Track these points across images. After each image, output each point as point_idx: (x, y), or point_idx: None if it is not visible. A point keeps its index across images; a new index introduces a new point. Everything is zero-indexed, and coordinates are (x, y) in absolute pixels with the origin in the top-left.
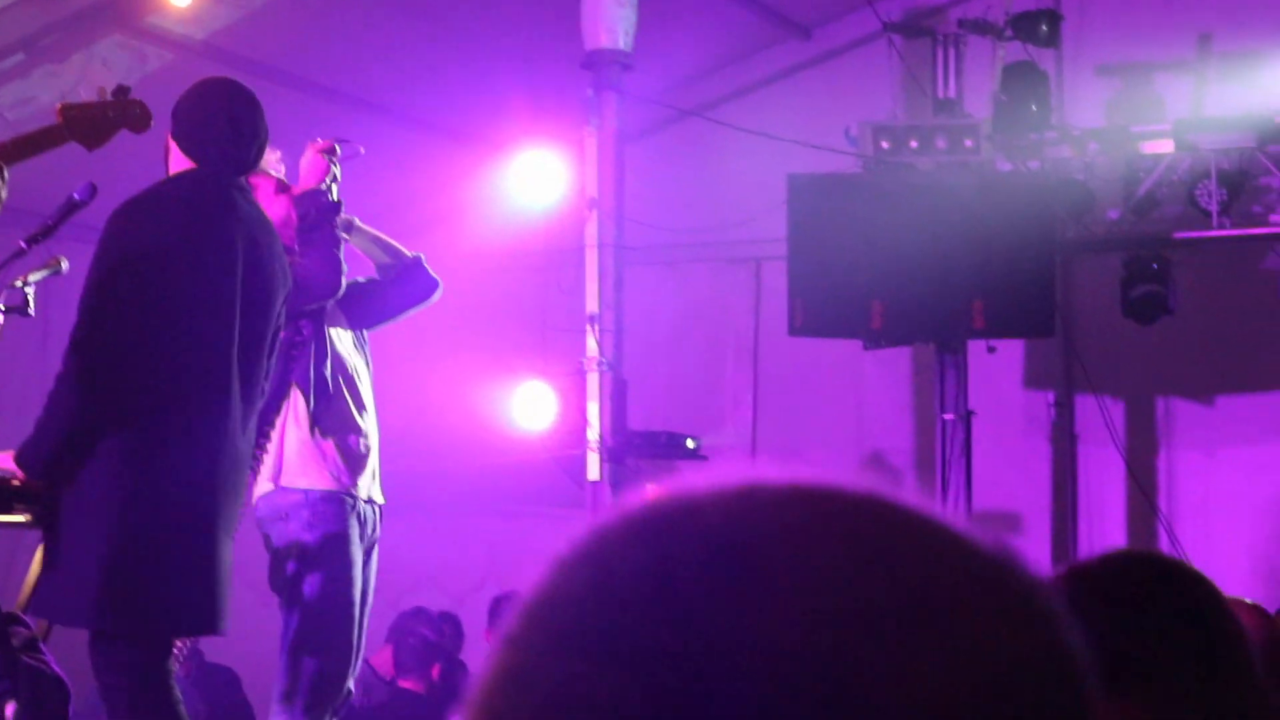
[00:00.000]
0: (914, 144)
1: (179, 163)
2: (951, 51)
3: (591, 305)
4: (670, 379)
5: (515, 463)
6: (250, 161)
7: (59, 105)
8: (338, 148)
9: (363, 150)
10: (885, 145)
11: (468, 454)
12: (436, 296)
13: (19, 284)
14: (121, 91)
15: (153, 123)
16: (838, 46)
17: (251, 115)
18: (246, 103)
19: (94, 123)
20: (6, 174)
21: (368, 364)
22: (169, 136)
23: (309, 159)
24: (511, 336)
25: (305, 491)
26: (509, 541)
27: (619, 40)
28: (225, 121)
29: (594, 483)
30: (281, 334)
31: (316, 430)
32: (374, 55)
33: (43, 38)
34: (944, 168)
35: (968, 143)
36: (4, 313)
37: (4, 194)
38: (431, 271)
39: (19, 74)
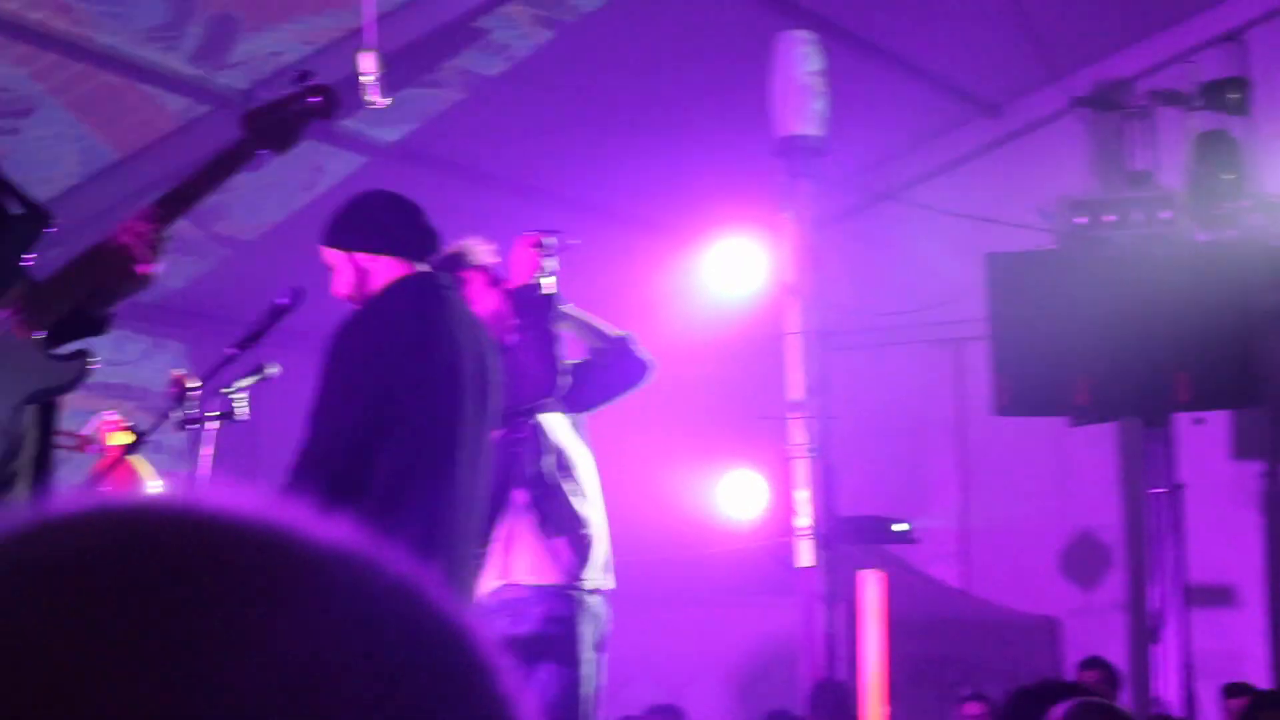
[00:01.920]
0: (1109, 217)
1: (378, 275)
2: (1142, 123)
3: (796, 392)
4: (876, 463)
5: (724, 551)
6: (436, 255)
7: (242, 115)
8: (550, 240)
9: (575, 241)
10: (1081, 220)
11: (677, 544)
12: (650, 377)
13: (228, 391)
14: (303, 78)
15: (341, 107)
16: (1027, 123)
17: (421, 212)
18: (413, 202)
19: (280, 124)
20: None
21: (587, 448)
22: (354, 255)
23: (520, 254)
24: (716, 425)
25: (535, 588)
26: (721, 631)
27: (811, 127)
28: (411, 222)
29: (805, 569)
30: (501, 431)
31: (542, 526)
32: (569, 151)
33: None
34: (1140, 240)
35: (1163, 214)
36: (215, 419)
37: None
38: (642, 352)
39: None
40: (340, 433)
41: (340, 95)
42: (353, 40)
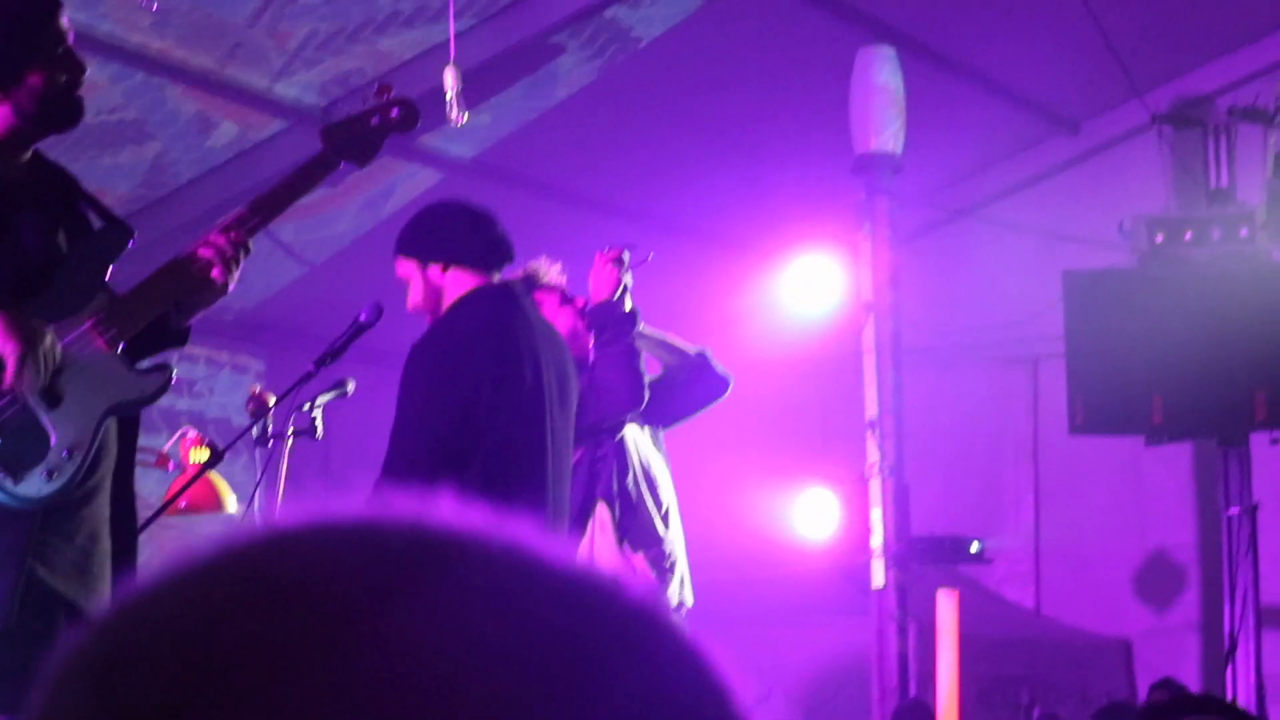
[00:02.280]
0: (1189, 235)
1: (453, 288)
2: (1222, 140)
3: (871, 410)
4: (951, 481)
5: (798, 571)
6: (510, 265)
7: (321, 130)
8: (626, 255)
9: (652, 256)
10: (1159, 238)
11: (750, 562)
12: (728, 393)
13: (307, 407)
14: (382, 92)
15: (419, 120)
16: (1107, 140)
17: (495, 222)
18: (486, 211)
19: (360, 137)
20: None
21: (666, 462)
22: (428, 267)
23: (599, 270)
24: (791, 443)
25: None
26: (793, 651)
27: (889, 143)
28: (484, 232)
29: (879, 590)
30: (583, 449)
31: (624, 544)
32: (645, 167)
33: None
34: (1219, 258)
35: (1243, 232)
36: (293, 435)
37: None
38: (719, 367)
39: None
40: (423, 450)
41: (419, 109)
42: (433, 57)
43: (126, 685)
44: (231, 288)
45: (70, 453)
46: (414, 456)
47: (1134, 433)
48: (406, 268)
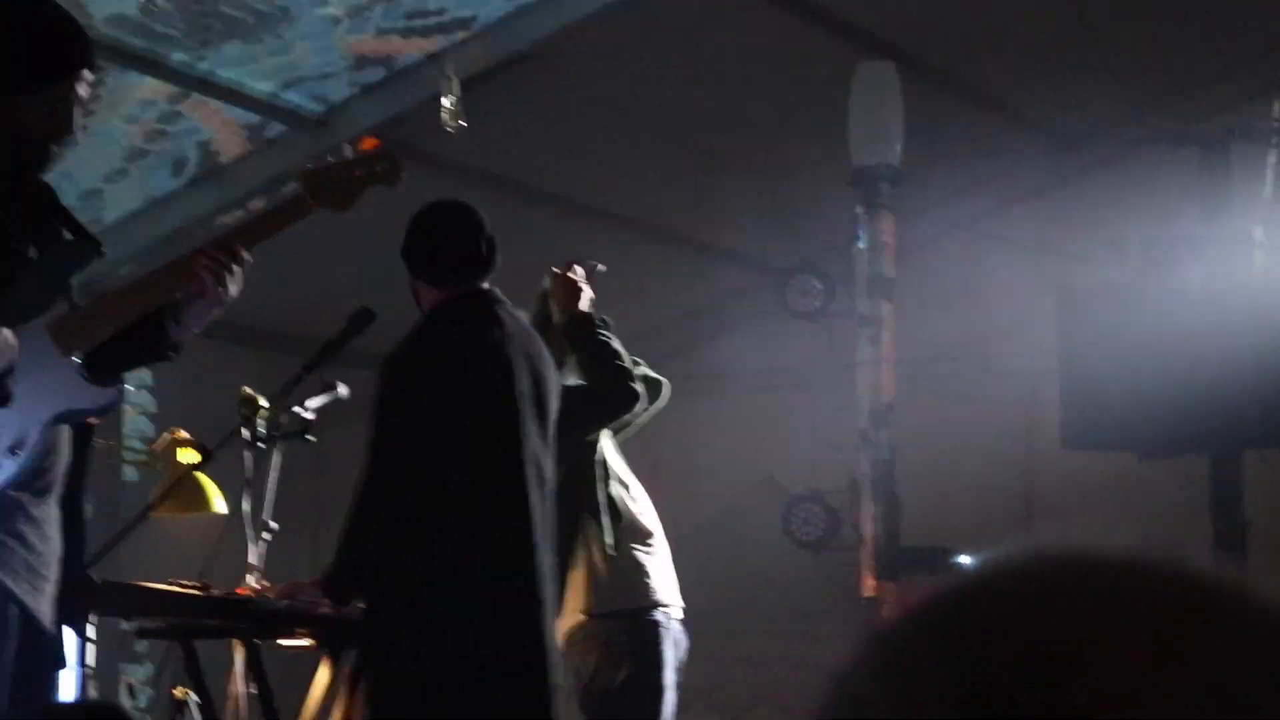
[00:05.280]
0: (1184, 252)
1: (429, 296)
2: (1220, 159)
3: (863, 421)
4: (943, 494)
5: (786, 578)
6: (493, 269)
7: (300, 172)
8: (589, 266)
9: (601, 266)
10: (1155, 255)
11: (739, 569)
12: (639, 407)
13: (299, 410)
14: (369, 144)
15: (402, 174)
16: (1104, 156)
17: (482, 225)
18: (468, 215)
19: (340, 184)
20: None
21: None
22: (414, 277)
23: (562, 281)
24: (784, 451)
25: (615, 615)
26: (780, 658)
27: (887, 156)
28: (461, 241)
29: (867, 599)
30: (566, 461)
31: (616, 552)
32: (643, 176)
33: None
34: (1215, 276)
35: (1240, 250)
36: (284, 437)
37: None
38: (638, 382)
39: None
40: (398, 463)
41: (402, 164)
42: (433, 63)
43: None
44: (230, 297)
45: (13, 451)
46: (389, 469)
47: (1126, 449)
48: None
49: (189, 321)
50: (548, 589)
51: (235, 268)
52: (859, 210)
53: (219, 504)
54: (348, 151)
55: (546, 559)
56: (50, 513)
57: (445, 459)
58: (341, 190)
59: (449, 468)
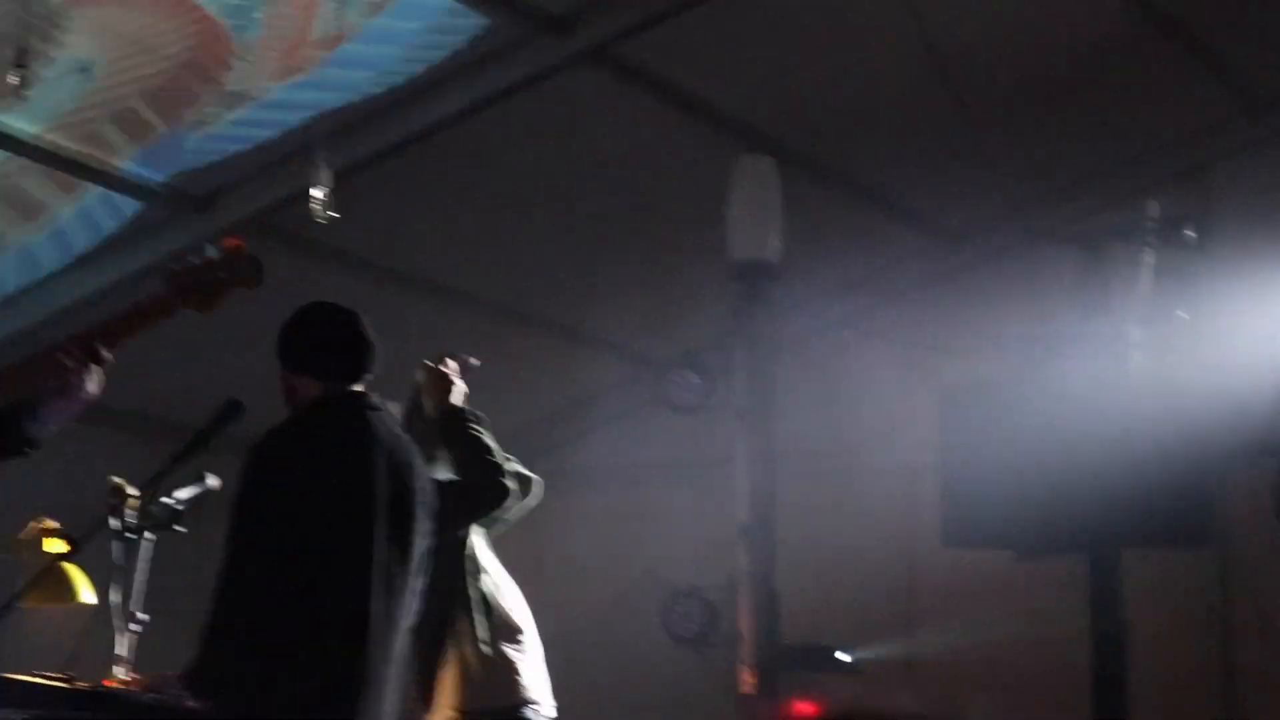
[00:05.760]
0: (1063, 350)
1: (302, 393)
2: (1098, 259)
3: (742, 516)
4: (824, 591)
5: (666, 673)
6: (369, 373)
7: (164, 271)
8: (461, 361)
9: (475, 362)
10: (1035, 352)
11: (618, 663)
12: (509, 503)
13: (168, 500)
14: (231, 246)
15: (264, 277)
16: (987, 254)
17: (361, 328)
18: (351, 318)
19: (204, 285)
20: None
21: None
22: (287, 369)
23: (434, 375)
24: (664, 546)
25: (487, 712)
26: None
27: (766, 251)
28: (338, 339)
29: (745, 695)
30: (433, 555)
31: (488, 647)
32: (517, 263)
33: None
34: (1094, 373)
35: (1118, 348)
36: (153, 527)
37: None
38: (510, 479)
39: None
40: (252, 558)
41: (264, 269)
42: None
43: None
44: (89, 396)
45: None
46: (243, 565)
47: (1005, 547)
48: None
49: (46, 418)
50: (377, 703)
51: (96, 366)
52: (738, 304)
53: (86, 594)
54: (211, 251)
55: (385, 670)
56: None
57: (293, 560)
58: (205, 291)
59: (296, 569)
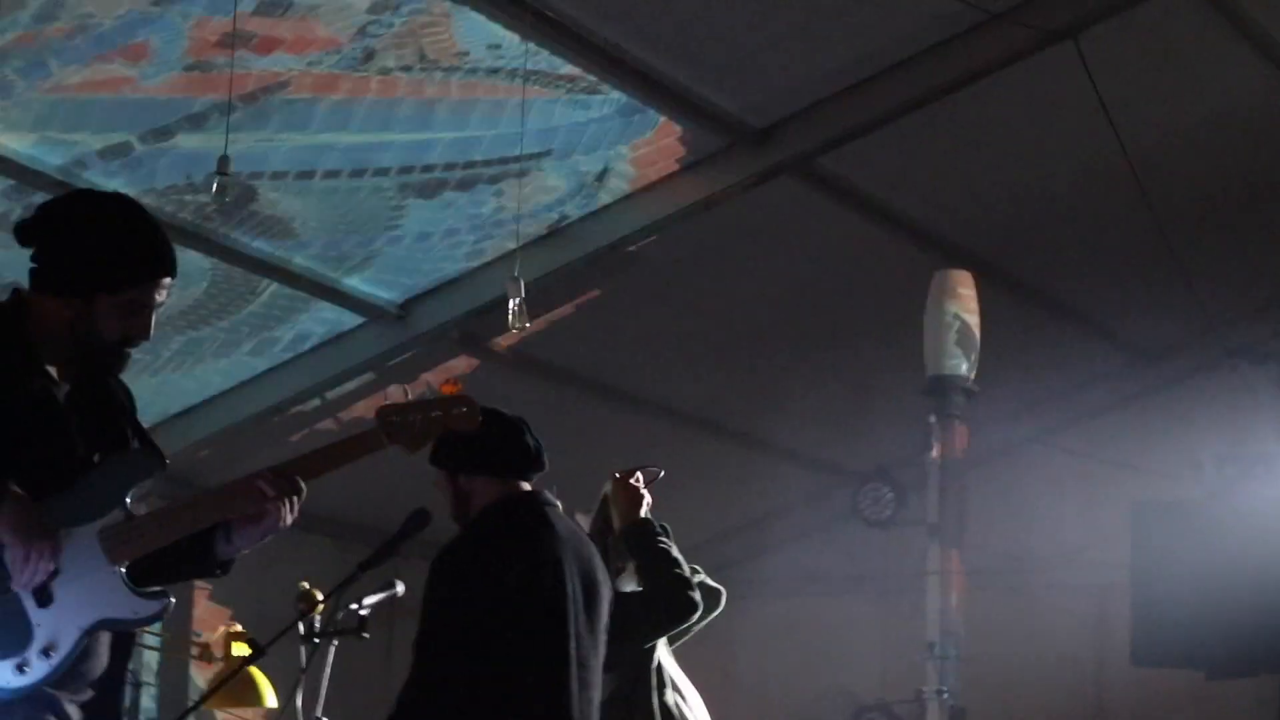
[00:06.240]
0: (1259, 471)
1: (479, 496)
2: None
3: (931, 632)
4: (1011, 708)
5: None
6: (542, 473)
7: (377, 408)
8: (648, 473)
9: (662, 473)
10: (1230, 473)
11: None
12: (694, 617)
13: (354, 606)
14: (451, 387)
15: (480, 421)
16: (1182, 372)
17: (529, 430)
18: (520, 421)
19: (415, 425)
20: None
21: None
22: (456, 476)
23: (622, 489)
24: (852, 659)
25: None
26: None
27: (960, 367)
28: (510, 439)
29: None
30: (620, 669)
31: None
32: (715, 376)
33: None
34: None
35: None
36: (339, 634)
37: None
38: (695, 593)
39: (367, 393)
40: (446, 661)
41: (481, 413)
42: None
43: None
44: (284, 525)
45: (46, 653)
46: (435, 669)
47: (1196, 667)
48: (439, 475)
49: (239, 542)
50: None
51: (294, 498)
52: (932, 420)
53: (270, 698)
54: (427, 393)
55: None
56: (78, 714)
57: (490, 661)
58: (416, 431)
59: (494, 670)
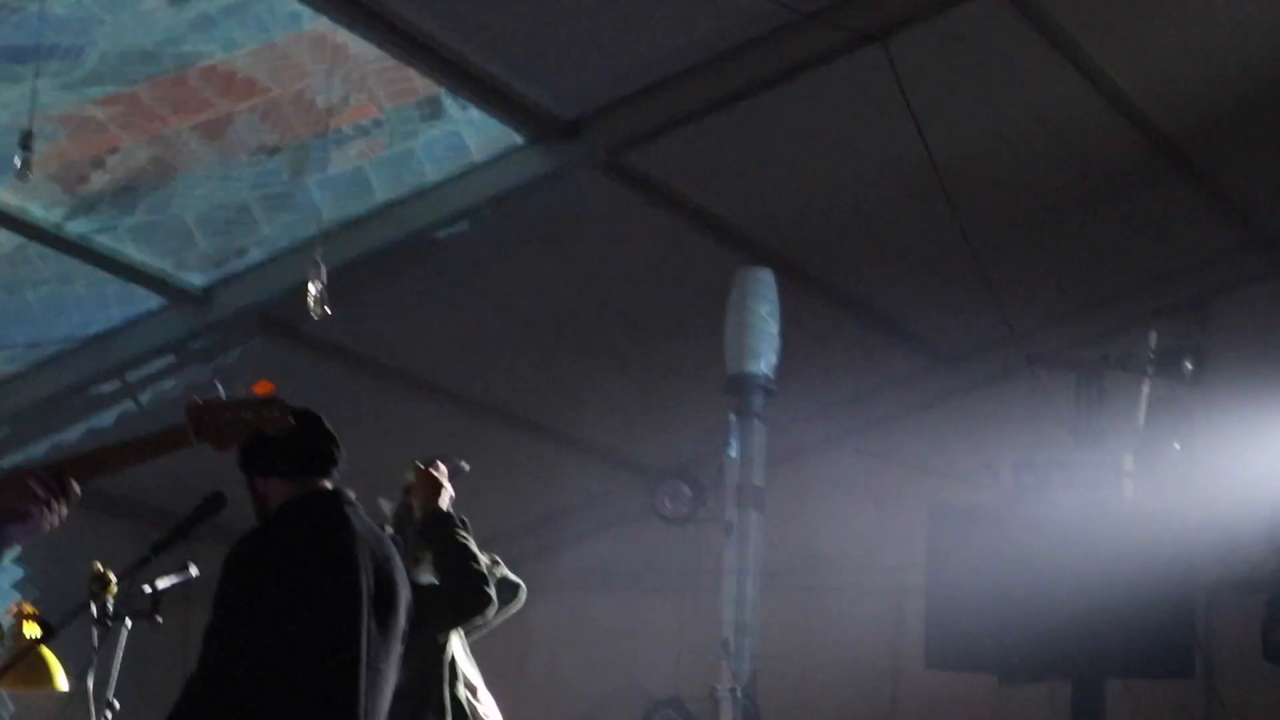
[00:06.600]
0: (1056, 477)
1: (274, 496)
2: (1095, 386)
3: (726, 630)
4: (805, 707)
5: None
6: (337, 469)
7: (186, 405)
8: (449, 465)
9: (466, 467)
10: (1027, 478)
11: None
12: (488, 611)
13: (147, 587)
14: (259, 388)
15: (291, 422)
16: (982, 378)
17: (324, 426)
18: (313, 417)
19: (224, 424)
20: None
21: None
22: (254, 478)
23: (423, 478)
24: (647, 656)
25: None
26: None
27: (762, 366)
28: (304, 438)
29: None
30: (412, 661)
31: None
32: (518, 369)
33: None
34: (1085, 502)
35: (1110, 478)
36: (132, 615)
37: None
38: (490, 587)
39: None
40: (232, 656)
41: (291, 418)
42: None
43: None
44: (52, 526)
45: None
46: (222, 663)
47: (990, 671)
48: (244, 478)
49: (9, 536)
50: None
51: (65, 501)
52: (731, 418)
53: (62, 680)
54: (238, 392)
55: None
56: None
57: (278, 658)
58: (225, 430)
59: (281, 667)
